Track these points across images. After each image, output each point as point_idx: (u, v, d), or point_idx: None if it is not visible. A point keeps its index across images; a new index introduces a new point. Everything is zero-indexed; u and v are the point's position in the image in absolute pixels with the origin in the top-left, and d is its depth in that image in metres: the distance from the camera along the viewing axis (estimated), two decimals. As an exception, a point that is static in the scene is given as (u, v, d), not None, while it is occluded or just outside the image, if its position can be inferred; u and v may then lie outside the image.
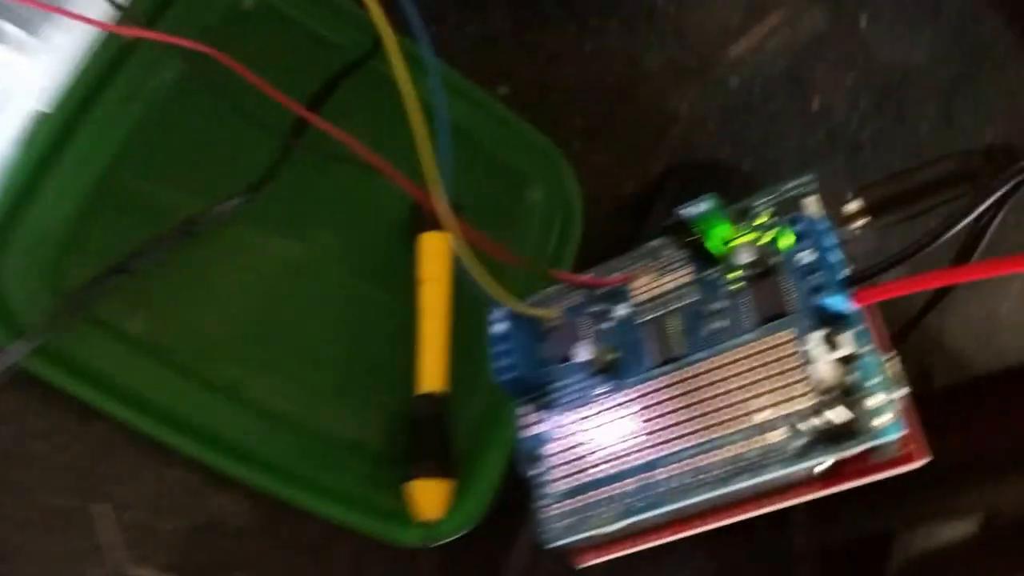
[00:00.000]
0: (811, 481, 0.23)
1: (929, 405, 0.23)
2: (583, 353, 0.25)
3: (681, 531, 0.25)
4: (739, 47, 0.48)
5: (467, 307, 0.33)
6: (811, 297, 0.22)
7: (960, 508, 0.42)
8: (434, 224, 0.33)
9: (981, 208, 0.21)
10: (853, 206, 0.25)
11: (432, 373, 0.34)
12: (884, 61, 0.54)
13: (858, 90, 0.52)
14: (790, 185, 0.25)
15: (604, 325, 0.27)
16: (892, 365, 0.22)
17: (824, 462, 0.22)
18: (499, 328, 0.26)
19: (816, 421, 0.21)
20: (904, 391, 0.22)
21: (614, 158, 0.44)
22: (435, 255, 0.35)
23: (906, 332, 0.35)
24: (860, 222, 0.25)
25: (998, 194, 0.21)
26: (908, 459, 0.23)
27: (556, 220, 0.39)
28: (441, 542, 0.33)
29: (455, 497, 0.33)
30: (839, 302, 0.22)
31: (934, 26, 0.57)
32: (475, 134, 0.39)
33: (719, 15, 0.49)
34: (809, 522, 0.39)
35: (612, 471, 0.24)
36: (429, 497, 0.32)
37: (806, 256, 0.22)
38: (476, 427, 0.35)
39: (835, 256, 0.23)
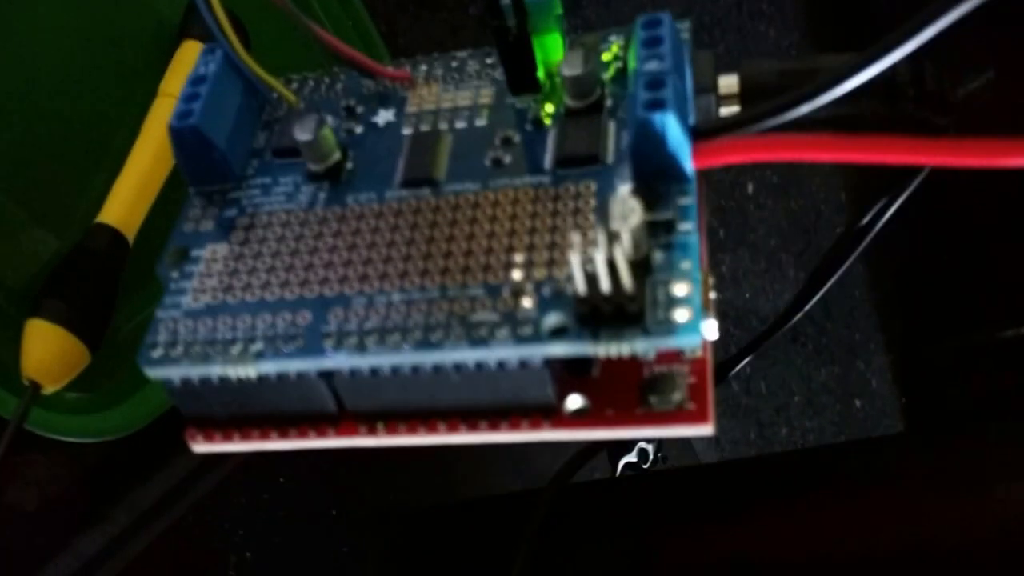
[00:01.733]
0: (556, 415, 0.17)
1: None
2: (304, 131, 0.18)
3: (346, 434, 0.17)
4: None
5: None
6: (643, 111, 0.16)
7: None
8: (203, 34, 0.26)
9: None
10: (730, 81, 0.19)
11: (120, 203, 0.26)
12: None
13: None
14: (660, 26, 0.19)
15: (355, 127, 0.20)
16: (708, 289, 0.17)
17: (585, 355, 0.16)
18: (201, 68, 0.19)
19: (594, 288, 0.15)
20: (712, 325, 0.16)
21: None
22: (189, 69, 0.28)
23: (728, 368, 0.30)
24: (728, 108, 0.19)
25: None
26: (690, 418, 0.16)
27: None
28: (49, 433, 0.25)
29: (94, 388, 0.25)
30: (676, 135, 0.16)
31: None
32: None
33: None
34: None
35: (281, 296, 0.17)
36: (45, 349, 0.24)
37: (653, 64, 0.16)
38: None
39: (686, 87, 0.17)
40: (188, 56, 0.28)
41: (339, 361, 0.16)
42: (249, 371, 0.16)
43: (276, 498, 0.36)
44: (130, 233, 0.27)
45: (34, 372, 0.24)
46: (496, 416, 0.17)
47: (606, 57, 0.19)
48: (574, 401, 0.17)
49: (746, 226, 0.60)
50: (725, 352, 0.57)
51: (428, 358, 0.16)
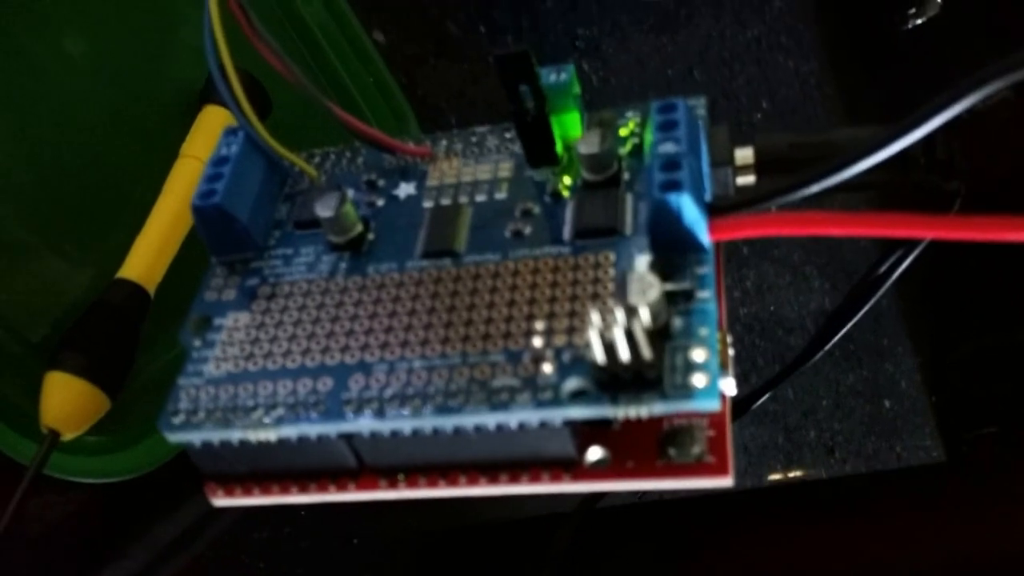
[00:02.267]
0: (577, 468, 0.17)
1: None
2: (326, 208, 0.19)
3: (367, 488, 0.18)
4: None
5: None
6: (659, 193, 0.16)
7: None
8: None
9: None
10: (745, 153, 0.20)
11: (141, 259, 0.27)
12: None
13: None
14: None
15: (376, 200, 0.20)
16: (726, 347, 0.17)
17: (604, 417, 0.16)
18: (223, 150, 0.20)
19: (612, 358, 0.15)
20: (730, 383, 0.17)
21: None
22: (210, 132, 0.29)
23: (748, 404, 0.30)
24: (744, 178, 0.20)
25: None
26: (709, 471, 0.17)
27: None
28: (69, 476, 0.26)
29: (113, 429, 0.26)
30: (692, 213, 0.17)
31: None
32: (328, 52, 0.35)
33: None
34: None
35: (302, 364, 0.17)
36: (63, 399, 0.25)
37: (669, 146, 0.17)
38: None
39: (702, 165, 0.18)
40: (209, 119, 0.30)
41: (359, 425, 0.16)
42: (269, 435, 0.17)
43: (297, 531, 0.36)
44: (151, 287, 0.27)
45: (53, 421, 0.25)
46: (517, 469, 0.17)
47: (623, 132, 0.20)
48: (594, 453, 0.17)
49: (770, 243, 0.62)
50: (752, 364, 0.59)
51: (448, 422, 0.16)
